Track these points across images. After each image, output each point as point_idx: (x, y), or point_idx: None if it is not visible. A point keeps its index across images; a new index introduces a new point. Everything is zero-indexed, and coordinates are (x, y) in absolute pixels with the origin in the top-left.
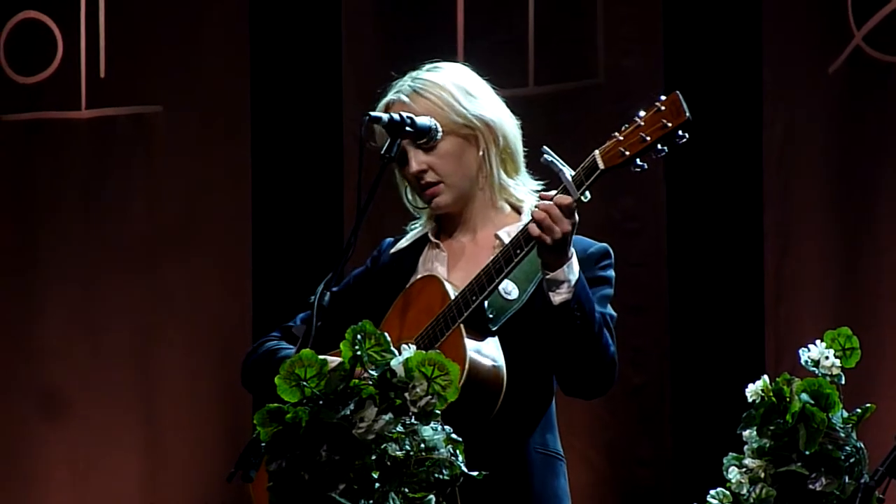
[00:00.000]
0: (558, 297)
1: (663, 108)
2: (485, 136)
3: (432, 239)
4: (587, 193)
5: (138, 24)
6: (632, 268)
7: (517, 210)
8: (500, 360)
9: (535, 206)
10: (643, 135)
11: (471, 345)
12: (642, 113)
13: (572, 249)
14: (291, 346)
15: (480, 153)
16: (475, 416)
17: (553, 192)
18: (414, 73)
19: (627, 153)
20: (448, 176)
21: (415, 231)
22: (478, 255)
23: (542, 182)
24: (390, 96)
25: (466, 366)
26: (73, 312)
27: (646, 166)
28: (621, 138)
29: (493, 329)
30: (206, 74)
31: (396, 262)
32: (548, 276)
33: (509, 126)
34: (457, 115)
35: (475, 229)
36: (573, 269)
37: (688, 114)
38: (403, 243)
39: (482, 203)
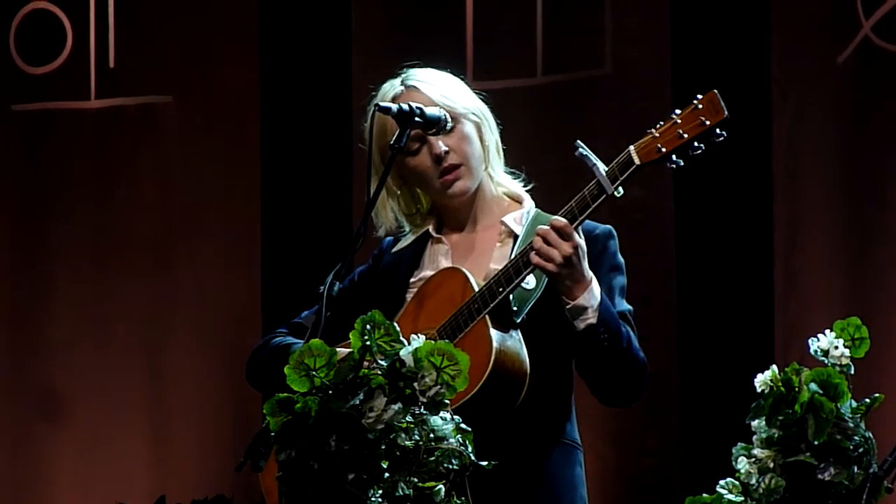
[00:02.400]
0: (582, 323)
1: (700, 105)
2: (485, 127)
3: (434, 234)
4: (620, 189)
5: (147, 15)
6: (640, 257)
7: (517, 200)
8: (524, 352)
9: (539, 230)
10: (680, 132)
11: (496, 336)
12: (678, 111)
13: (590, 273)
14: (300, 341)
15: (486, 143)
16: (499, 407)
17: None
18: (408, 72)
19: (664, 149)
20: (468, 159)
21: (414, 230)
22: (482, 245)
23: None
24: (396, 89)
25: (493, 357)
26: (82, 304)
27: (681, 163)
28: (657, 134)
29: (517, 321)
30: (215, 65)
31: (398, 260)
32: (568, 307)
33: (497, 133)
34: (467, 102)
35: (476, 222)
36: (594, 294)
37: (726, 112)
38: (405, 241)
39: (484, 195)
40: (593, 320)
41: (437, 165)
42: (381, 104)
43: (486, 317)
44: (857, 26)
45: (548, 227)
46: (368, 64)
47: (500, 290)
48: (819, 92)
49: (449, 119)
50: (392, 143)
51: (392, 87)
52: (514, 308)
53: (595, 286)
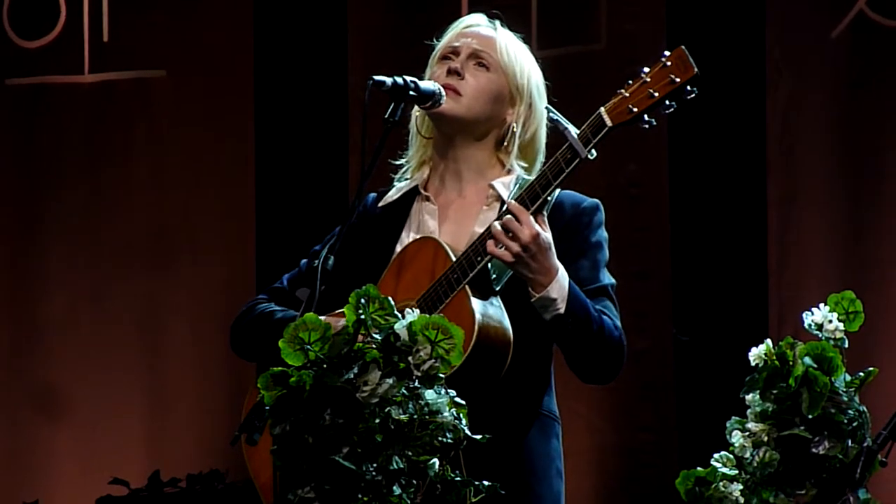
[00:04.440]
0: (549, 314)
1: (669, 63)
2: (518, 107)
3: (422, 191)
4: (593, 151)
5: None
6: (635, 233)
7: (507, 167)
8: (506, 321)
9: (494, 221)
10: (651, 91)
11: (477, 306)
12: (647, 69)
13: (556, 264)
14: (284, 308)
15: (507, 121)
16: (485, 378)
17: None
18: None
19: (636, 110)
20: (468, 97)
21: (404, 183)
22: (468, 207)
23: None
24: (479, 21)
25: (476, 328)
26: (76, 278)
27: (654, 122)
28: (627, 95)
29: (497, 289)
30: (209, 39)
31: (386, 215)
32: (533, 300)
33: (541, 133)
34: (516, 69)
35: (465, 182)
36: (561, 284)
37: (696, 68)
38: (393, 195)
39: (477, 157)
40: (561, 311)
41: (445, 77)
42: (376, 78)
43: (466, 287)
44: (851, 0)
45: (509, 216)
46: (363, 38)
47: (479, 259)
48: (814, 67)
49: (443, 93)
50: (386, 116)
51: (472, 18)
52: (494, 276)
53: (562, 276)
